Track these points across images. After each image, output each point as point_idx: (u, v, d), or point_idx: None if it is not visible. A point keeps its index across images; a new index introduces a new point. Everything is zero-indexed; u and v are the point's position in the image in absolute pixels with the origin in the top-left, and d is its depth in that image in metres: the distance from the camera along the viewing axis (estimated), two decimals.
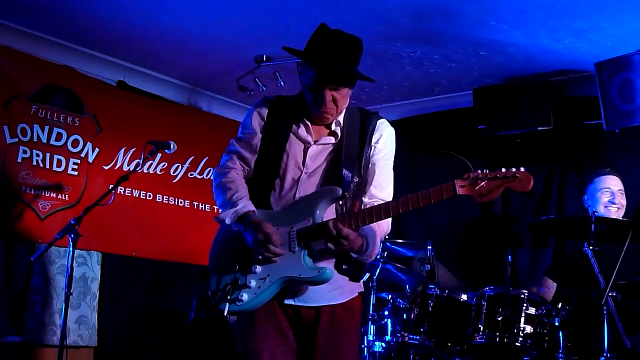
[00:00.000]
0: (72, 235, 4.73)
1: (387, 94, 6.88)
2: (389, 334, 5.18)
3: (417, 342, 4.87)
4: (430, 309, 4.92)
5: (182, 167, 6.75)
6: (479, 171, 3.09)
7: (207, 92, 7.14)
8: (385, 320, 5.22)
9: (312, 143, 3.37)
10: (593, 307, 4.52)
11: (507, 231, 6.04)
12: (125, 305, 6.35)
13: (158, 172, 6.59)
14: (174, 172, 6.69)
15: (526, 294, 4.62)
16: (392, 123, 6.93)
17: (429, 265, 4.97)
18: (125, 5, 5.38)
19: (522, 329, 4.55)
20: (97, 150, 6.19)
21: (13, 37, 5.78)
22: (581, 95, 6.05)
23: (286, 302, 3.25)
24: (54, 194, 5.89)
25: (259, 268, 3.20)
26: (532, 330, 4.57)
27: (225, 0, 5.23)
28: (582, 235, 4.32)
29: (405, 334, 4.92)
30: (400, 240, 5.61)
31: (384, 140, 3.46)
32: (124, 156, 6.35)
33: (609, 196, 5.08)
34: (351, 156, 3.34)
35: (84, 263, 6.06)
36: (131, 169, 5.68)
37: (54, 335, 5.80)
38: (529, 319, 4.58)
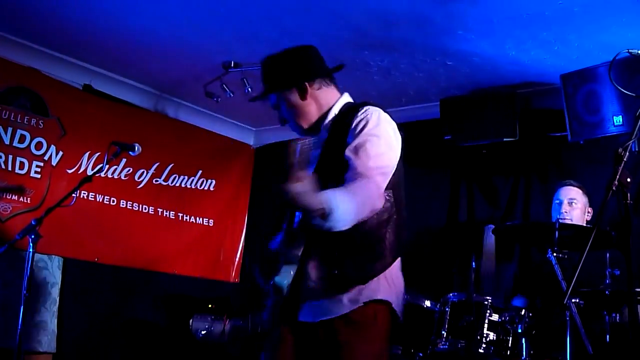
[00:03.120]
0: (33, 237, 4.63)
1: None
2: None
3: None
4: None
5: (147, 173, 6.70)
6: None
7: (174, 99, 7.09)
8: None
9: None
10: (556, 313, 4.53)
11: (472, 239, 6.05)
12: (86, 312, 6.27)
13: (123, 178, 6.54)
14: (138, 178, 6.64)
15: (490, 301, 4.62)
16: None
17: None
18: (92, 8, 5.33)
19: (485, 335, 4.53)
20: (61, 153, 6.14)
21: None
22: (547, 107, 6.09)
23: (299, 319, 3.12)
24: (16, 197, 5.82)
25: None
26: (495, 337, 4.55)
27: (193, 5, 5.20)
28: (546, 242, 4.32)
29: None
30: None
31: (358, 120, 3.09)
32: (88, 160, 6.30)
33: (559, 207, 5.12)
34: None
35: (45, 267, 5.97)
36: (94, 172, 5.64)
37: (10, 339, 5.69)
38: (492, 326, 4.56)
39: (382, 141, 3.02)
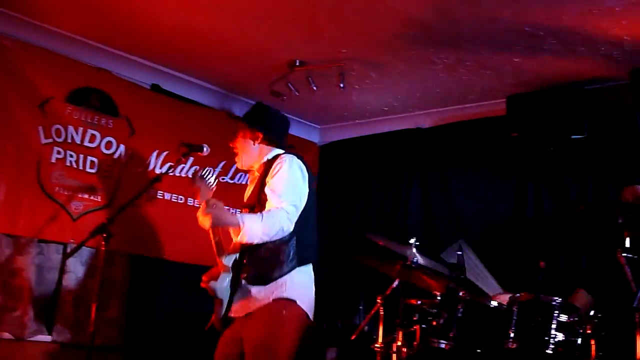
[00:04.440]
0: (104, 235, 4.71)
1: (420, 101, 6.86)
2: (418, 340, 5.13)
3: (446, 348, 4.82)
4: (459, 315, 4.87)
5: (214, 171, 6.73)
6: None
7: (241, 97, 7.15)
8: (414, 326, 5.17)
9: None
10: (625, 314, 4.44)
11: (540, 237, 5.97)
12: (154, 308, 6.38)
13: (190, 176, 6.61)
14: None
15: (558, 301, 4.55)
16: (424, 131, 6.90)
17: (460, 271, 4.92)
18: (160, 9, 5.42)
19: (553, 336, 4.47)
20: (130, 152, 6.25)
21: (49, 39, 5.86)
22: (616, 104, 5.96)
23: None
24: (87, 195, 5.96)
25: None
26: (563, 338, 4.48)
27: (259, 5, 5.25)
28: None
29: (434, 340, 4.86)
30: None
31: (275, 165, 4.26)
32: (156, 159, 6.40)
33: None
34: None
35: (114, 264, 6.09)
36: (163, 172, 5.73)
37: (83, 335, 5.84)
38: (561, 326, 4.49)
39: (291, 181, 4.16)
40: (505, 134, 6.17)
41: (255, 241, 4.01)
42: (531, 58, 5.68)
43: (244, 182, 6.97)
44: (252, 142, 4.43)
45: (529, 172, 6.35)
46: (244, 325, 4.20)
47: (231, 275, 4.23)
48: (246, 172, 5.10)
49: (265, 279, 4.15)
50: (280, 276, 4.14)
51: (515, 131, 6.11)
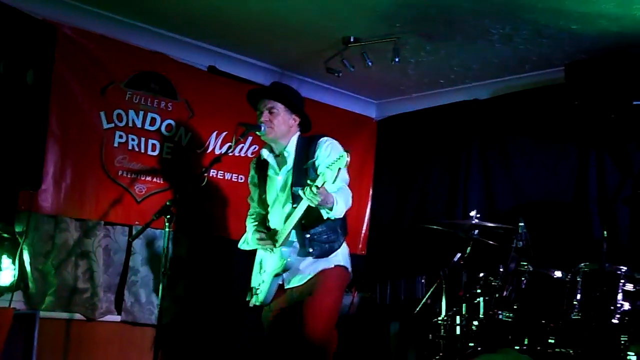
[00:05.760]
0: (168, 216, 4.79)
1: (476, 72, 6.79)
2: (482, 312, 5.14)
3: (510, 319, 4.82)
4: (523, 286, 4.86)
5: None
6: None
7: (297, 76, 7.18)
8: (478, 298, 5.18)
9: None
10: None
11: (604, 206, 5.90)
12: (220, 287, 6.48)
13: (249, 155, 6.68)
14: None
15: (624, 270, 4.50)
16: (482, 102, 6.84)
17: (522, 242, 4.90)
18: None
19: (619, 306, 4.43)
20: (189, 134, 6.34)
21: (107, 25, 5.95)
22: None
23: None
24: (149, 178, 6.07)
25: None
26: (629, 308, 4.44)
27: None
28: None
29: (498, 312, 4.87)
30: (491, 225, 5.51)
31: (326, 145, 4.72)
32: (215, 140, 6.49)
33: None
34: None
35: (180, 245, 6.20)
36: (223, 152, 5.79)
37: (151, 314, 5.98)
38: (627, 296, 4.45)
39: None
40: (565, 102, 6.06)
41: (339, 215, 4.47)
42: (589, 24, 5.57)
43: None
44: (286, 123, 4.85)
45: (590, 140, 6.25)
46: (301, 291, 4.68)
47: (291, 249, 4.66)
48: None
49: (329, 252, 4.68)
50: (338, 248, 4.72)
51: (575, 99, 6.00)
